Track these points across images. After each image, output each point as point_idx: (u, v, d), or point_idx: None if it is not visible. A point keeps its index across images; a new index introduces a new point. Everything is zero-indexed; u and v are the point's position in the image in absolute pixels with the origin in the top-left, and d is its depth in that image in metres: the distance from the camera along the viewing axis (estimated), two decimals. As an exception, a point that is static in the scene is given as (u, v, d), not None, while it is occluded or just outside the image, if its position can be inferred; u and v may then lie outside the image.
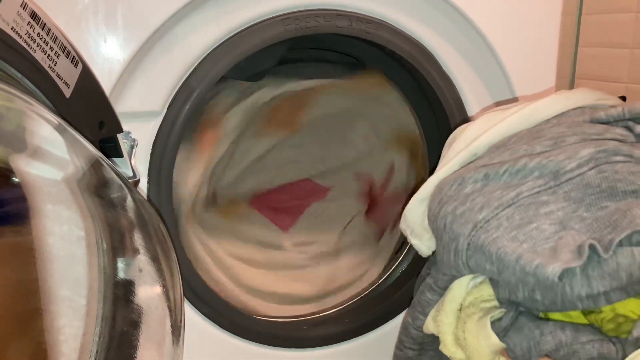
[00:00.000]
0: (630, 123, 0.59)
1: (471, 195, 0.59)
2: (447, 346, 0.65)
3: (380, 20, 0.87)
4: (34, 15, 0.56)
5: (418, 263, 1.02)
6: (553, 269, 0.52)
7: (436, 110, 0.96)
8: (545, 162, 0.56)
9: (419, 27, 0.89)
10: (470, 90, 0.95)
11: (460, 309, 0.65)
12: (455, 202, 0.60)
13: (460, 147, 0.68)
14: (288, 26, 0.81)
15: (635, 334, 0.52)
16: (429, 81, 0.91)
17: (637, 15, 1.74)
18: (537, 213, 0.55)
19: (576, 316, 0.58)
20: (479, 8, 0.90)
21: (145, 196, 0.80)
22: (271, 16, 0.81)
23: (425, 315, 0.69)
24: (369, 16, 0.86)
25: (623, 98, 1.61)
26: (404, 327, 0.72)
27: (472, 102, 0.95)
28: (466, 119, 0.93)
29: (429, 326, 0.68)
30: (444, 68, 0.92)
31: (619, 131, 0.58)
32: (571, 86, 1.18)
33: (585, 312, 0.57)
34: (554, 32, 0.99)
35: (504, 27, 0.93)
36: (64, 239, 0.60)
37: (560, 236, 0.53)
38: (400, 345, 0.73)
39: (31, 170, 0.58)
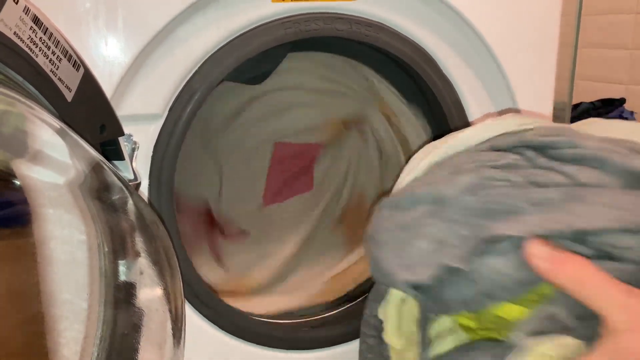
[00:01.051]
0: (522, 149, 0.63)
1: (384, 222, 0.66)
2: (389, 335, 0.70)
3: (380, 23, 0.87)
4: (36, 20, 0.56)
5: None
6: (401, 283, 0.58)
7: (436, 114, 0.97)
8: (430, 190, 0.62)
9: (418, 30, 0.90)
10: (470, 93, 0.95)
11: (402, 300, 0.70)
12: (375, 226, 0.66)
13: (399, 181, 0.72)
14: (288, 29, 0.81)
15: (513, 338, 0.55)
16: (429, 84, 0.91)
17: (636, 16, 1.75)
18: (417, 234, 0.60)
19: (460, 319, 0.63)
20: (477, 9, 0.91)
21: (146, 199, 0.81)
22: (272, 19, 0.81)
23: (377, 302, 0.72)
24: (369, 19, 0.86)
25: (622, 100, 1.62)
26: (363, 319, 0.76)
27: (472, 105, 0.95)
28: (467, 122, 0.94)
29: (379, 313, 0.73)
30: (443, 71, 0.92)
31: (512, 157, 0.62)
32: (571, 87, 1.19)
33: (465, 315, 0.62)
34: (553, 33, 0.99)
35: (502, 29, 0.94)
36: (65, 243, 0.60)
37: (434, 250, 0.58)
38: (362, 337, 0.76)
39: (32, 174, 0.58)
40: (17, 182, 0.60)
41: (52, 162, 0.58)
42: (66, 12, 0.71)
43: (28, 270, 0.62)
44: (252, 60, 0.81)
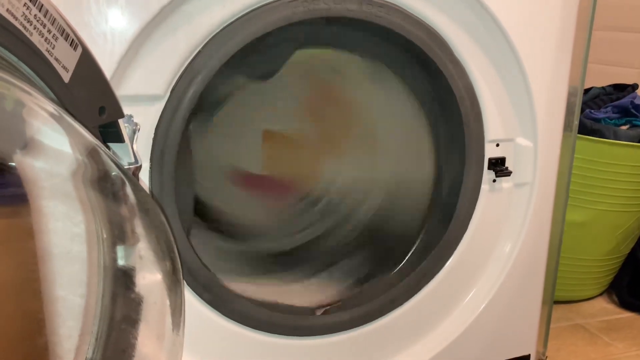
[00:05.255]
0: None
1: None
2: None
3: (392, 4, 0.84)
4: (30, -4, 0.53)
5: (421, 255, 1.01)
6: None
7: (446, 100, 0.94)
8: None
9: (430, 11, 0.87)
10: (483, 78, 0.92)
11: None
12: None
13: None
14: (296, 9, 0.78)
15: None
16: (440, 68, 0.88)
17: (653, -1, 1.71)
18: None
19: None
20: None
21: (147, 182, 0.78)
22: (279, -2, 0.78)
23: None
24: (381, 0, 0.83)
25: (635, 86, 1.58)
26: None
27: (484, 89, 0.93)
28: (478, 108, 0.92)
29: None
30: (455, 54, 0.90)
31: None
32: (583, 72, 1.16)
33: None
34: (571, 19, 0.97)
35: (519, 13, 0.91)
36: (60, 236, 0.58)
37: None
38: None
39: (28, 164, 0.56)
40: (12, 163, 0.58)
41: (49, 151, 0.55)
42: (65, -13, 0.68)
43: (26, 255, 0.60)
44: (260, 56, 0.78)
